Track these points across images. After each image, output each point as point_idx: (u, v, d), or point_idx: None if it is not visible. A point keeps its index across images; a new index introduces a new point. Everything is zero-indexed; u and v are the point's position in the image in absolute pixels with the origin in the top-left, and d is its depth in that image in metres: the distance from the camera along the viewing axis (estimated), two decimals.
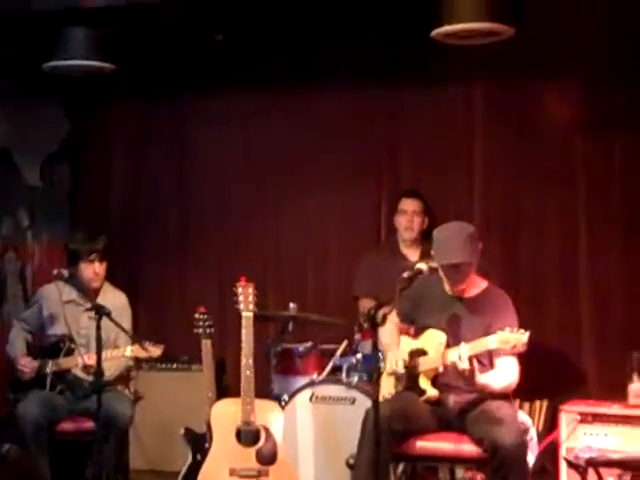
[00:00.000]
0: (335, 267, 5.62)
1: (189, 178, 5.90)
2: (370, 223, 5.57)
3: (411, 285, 3.80)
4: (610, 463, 4.04)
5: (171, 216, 5.94)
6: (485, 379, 3.87)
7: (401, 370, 4.04)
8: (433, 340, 3.99)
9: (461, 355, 3.74)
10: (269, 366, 4.91)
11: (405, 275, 3.78)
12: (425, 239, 5.09)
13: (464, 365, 3.74)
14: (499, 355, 3.91)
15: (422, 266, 3.82)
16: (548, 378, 5.01)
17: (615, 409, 4.40)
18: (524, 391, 4.19)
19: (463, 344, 3.77)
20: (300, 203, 5.67)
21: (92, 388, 4.38)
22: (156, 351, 4.39)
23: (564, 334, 5.16)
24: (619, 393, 4.55)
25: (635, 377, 4.47)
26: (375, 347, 3.59)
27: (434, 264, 4.09)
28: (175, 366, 5.46)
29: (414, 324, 4.18)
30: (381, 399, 3.81)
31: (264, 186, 5.72)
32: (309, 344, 4.93)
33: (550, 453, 4.71)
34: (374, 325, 3.50)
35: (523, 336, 3.66)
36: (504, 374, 3.93)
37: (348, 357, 4.77)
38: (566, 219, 5.24)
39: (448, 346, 3.90)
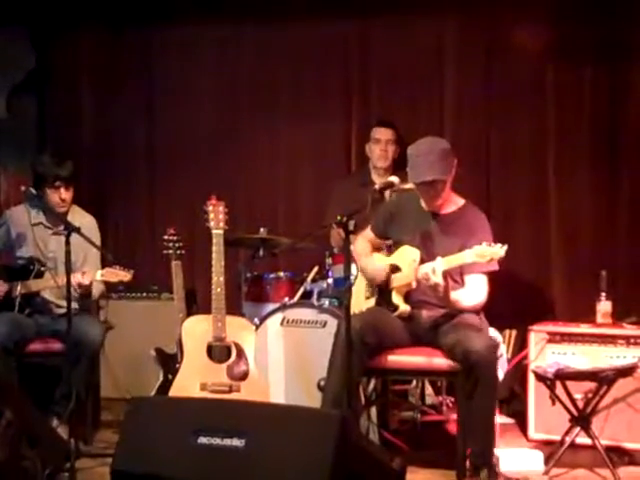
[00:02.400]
0: (305, 195, 5.64)
1: (158, 106, 5.85)
2: (340, 151, 5.60)
3: (382, 197, 3.80)
4: (577, 375, 4.10)
5: (140, 144, 5.89)
6: (456, 296, 3.87)
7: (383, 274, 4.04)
8: (407, 256, 3.99)
9: (435, 269, 3.70)
10: (240, 293, 4.93)
11: (376, 187, 3.79)
12: (397, 168, 5.12)
13: (437, 279, 3.70)
14: (470, 272, 3.92)
15: (394, 179, 3.82)
16: (517, 307, 5.08)
17: (583, 328, 4.48)
18: (493, 320, 4.20)
19: (439, 258, 3.74)
20: (270, 132, 5.67)
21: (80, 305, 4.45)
22: (126, 275, 4.33)
23: (534, 262, 5.23)
24: (588, 317, 4.62)
25: (603, 296, 4.54)
26: (347, 258, 3.58)
27: (408, 186, 4.11)
28: (145, 295, 5.46)
29: (388, 239, 4.18)
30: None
31: (234, 114, 5.71)
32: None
33: (519, 377, 4.78)
34: (346, 233, 3.50)
35: (501, 250, 3.61)
36: (473, 291, 3.94)
37: (319, 282, 4.80)
38: (536, 148, 5.30)
39: (422, 262, 3.88)
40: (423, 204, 4.05)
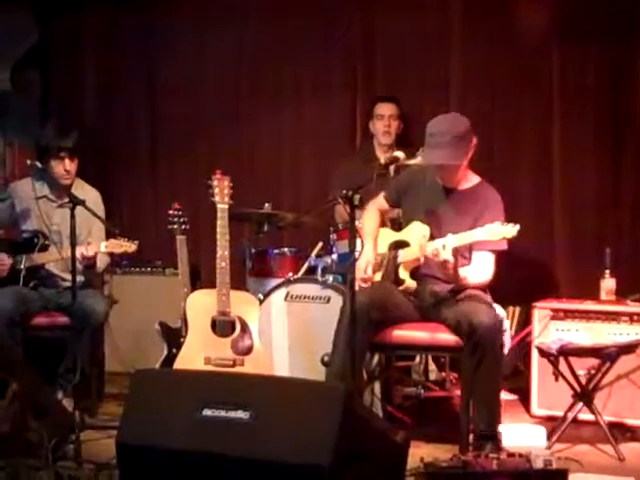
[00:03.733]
0: (310, 171, 5.65)
1: (162, 81, 5.86)
2: (345, 127, 5.60)
3: (387, 172, 3.80)
4: (581, 351, 4.11)
5: (143, 119, 5.90)
6: (463, 272, 3.85)
7: (368, 275, 4.03)
8: (416, 232, 3.99)
9: (446, 245, 3.68)
10: (244, 269, 4.93)
11: (382, 161, 3.79)
12: (401, 143, 5.11)
13: (446, 255, 3.68)
14: (479, 249, 3.90)
15: (399, 154, 3.81)
16: (521, 284, 5.05)
17: (586, 305, 4.49)
18: (497, 296, 4.19)
19: (450, 235, 3.72)
20: (275, 107, 5.67)
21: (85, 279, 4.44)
22: (131, 246, 4.33)
23: (538, 239, 5.17)
24: (592, 295, 4.62)
25: (607, 274, 4.54)
26: (352, 233, 3.56)
27: (413, 161, 4.10)
28: (149, 270, 5.49)
29: (401, 208, 4.18)
30: (357, 288, 3.84)
31: (238, 91, 5.72)
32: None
33: (523, 353, 4.79)
34: (352, 207, 3.49)
35: (513, 229, 3.60)
36: (480, 269, 3.93)
37: (323, 258, 4.80)
38: (541, 125, 5.28)
39: (432, 239, 3.89)
40: (439, 179, 4.04)
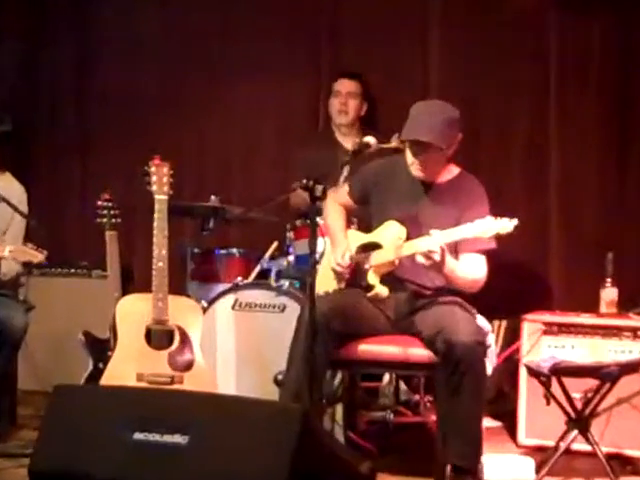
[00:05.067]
0: (265, 160, 5.65)
1: (92, 59, 5.87)
2: (306, 110, 5.62)
3: (356, 159, 3.80)
4: (576, 370, 4.13)
5: (70, 99, 5.90)
6: (453, 264, 3.80)
7: (346, 263, 4.05)
8: (391, 234, 3.99)
9: (432, 248, 3.63)
10: (185, 271, 4.92)
11: (349, 147, 3.79)
12: (364, 126, 5.13)
13: (436, 257, 3.65)
14: (466, 250, 3.89)
15: (370, 139, 3.83)
16: (510, 294, 5.08)
17: (584, 318, 4.54)
18: (482, 308, 4.20)
19: (435, 231, 3.67)
20: (226, 87, 5.66)
21: None
22: (37, 256, 4.23)
23: (530, 243, 5.18)
24: (590, 307, 4.66)
25: (608, 283, 4.58)
26: (313, 230, 3.55)
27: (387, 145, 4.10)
28: (72, 271, 5.47)
29: (369, 205, 4.18)
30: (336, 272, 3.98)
31: (184, 67, 5.70)
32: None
33: (509, 373, 4.82)
34: (313, 199, 3.48)
35: (510, 223, 3.57)
36: (471, 267, 3.91)
37: (278, 260, 4.81)
38: (535, 115, 5.31)
39: (409, 240, 3.90)
40: (413, 171, 4.02)
